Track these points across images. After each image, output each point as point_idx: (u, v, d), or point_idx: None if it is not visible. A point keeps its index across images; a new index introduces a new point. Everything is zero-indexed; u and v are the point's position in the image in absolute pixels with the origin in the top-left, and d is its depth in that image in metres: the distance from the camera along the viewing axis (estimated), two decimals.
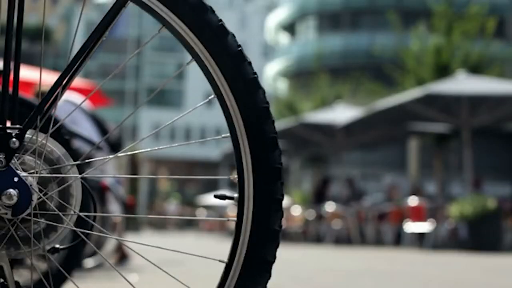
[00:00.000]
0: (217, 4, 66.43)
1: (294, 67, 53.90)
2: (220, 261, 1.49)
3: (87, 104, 7.21)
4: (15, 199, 1.36)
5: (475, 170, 15.58)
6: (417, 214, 13.55)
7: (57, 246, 1.57)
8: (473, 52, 19.51)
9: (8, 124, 1.42)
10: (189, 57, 1.49)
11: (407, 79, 20.02)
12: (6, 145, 1.39)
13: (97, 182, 5.61)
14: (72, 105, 6.61)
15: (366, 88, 25.32)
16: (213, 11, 1.46)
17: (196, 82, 68.41)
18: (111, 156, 1.52)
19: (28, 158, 1.42)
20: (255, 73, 1.48)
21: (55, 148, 1.44)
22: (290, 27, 57.85)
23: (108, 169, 6.87)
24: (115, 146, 6.76)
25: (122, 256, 7.13)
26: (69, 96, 7.09)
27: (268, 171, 1.46)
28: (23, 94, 2.21)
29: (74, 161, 1.45)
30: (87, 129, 6.59)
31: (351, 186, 19.57)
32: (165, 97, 71.81)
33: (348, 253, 11.62)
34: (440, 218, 13.58)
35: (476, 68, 18.45)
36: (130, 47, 69.96)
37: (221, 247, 12.77)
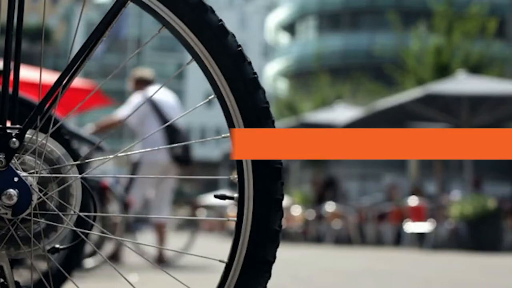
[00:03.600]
0: (217, 4, 66.40)
1: (294, 67, 53.90)
2: (220, 261, 1.49)
3: (177, 109, 7.33)
4: (15, 199, 1.36)
5: (475, 170, 15.57)
6: (417, 214, 13.54)
7: (57, 246, 1.57)
8: (473, 52, 19.52)
9: (8, 124, 1.42)
10: (189, 57, 1.49)
11: (407, 79, 20.02)
12: (6, 145, 1.39)
13: (97, 182, 5.60)
14: (149, 105, 6.79)
15: (366, 88, 25.32)
16: (213, 11, 1.46)
17: (196, 82, 68.40)
18: (111, 156, 1.52)
19: (28, 158, 1.42)
20: (255, 73, 1.48)
21: (55, 148, 1.44)
22: (290, 27, 57.85)
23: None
24: (183, 160, 6.93)
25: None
26: (164, 95, 7.21)
27: (268, 171, 1.46)
28: (23, 94, 2.21)
29: (74, 161, 1.45)
30: (150, 129, 6.76)
31: (333, 186, 19.58)
32: None
33: (348, 253, 11.62)
34: (440, 218, 13.58)
35: (476, 68, 18.46)
36: (130, 47, 69.92)
37: (221, 247, 12.76)
